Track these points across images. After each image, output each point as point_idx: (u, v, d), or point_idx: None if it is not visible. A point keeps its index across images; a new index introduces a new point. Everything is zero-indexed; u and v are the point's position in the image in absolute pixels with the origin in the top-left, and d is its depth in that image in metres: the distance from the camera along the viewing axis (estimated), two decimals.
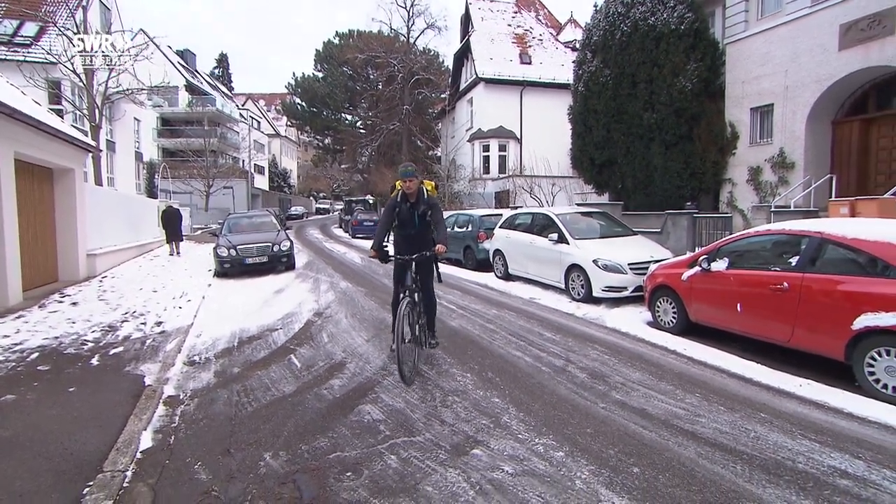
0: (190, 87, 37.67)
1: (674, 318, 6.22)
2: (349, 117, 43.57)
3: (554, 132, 21.81)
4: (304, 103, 42.86)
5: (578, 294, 8.15)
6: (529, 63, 26.81)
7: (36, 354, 5.34)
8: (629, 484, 2.82)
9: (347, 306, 7.82)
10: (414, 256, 4.68)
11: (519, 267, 10.08)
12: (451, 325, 6.50)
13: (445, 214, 19.41)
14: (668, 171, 12.76)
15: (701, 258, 5.83)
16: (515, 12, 30.05)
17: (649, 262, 7.42)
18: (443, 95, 36.42)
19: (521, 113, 25.87)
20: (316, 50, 42.19)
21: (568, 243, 8.56)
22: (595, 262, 7.86)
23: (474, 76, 26.46)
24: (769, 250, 5.37)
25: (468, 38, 27.90)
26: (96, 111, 18.15)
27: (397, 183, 4.84)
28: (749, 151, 12.10)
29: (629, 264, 7.72)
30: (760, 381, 4.40)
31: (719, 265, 5.61)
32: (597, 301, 7.83)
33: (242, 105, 49.88)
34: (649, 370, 4.73)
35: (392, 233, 5.02)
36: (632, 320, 6.73)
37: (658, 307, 6.47)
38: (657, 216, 12.06)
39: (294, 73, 55.90)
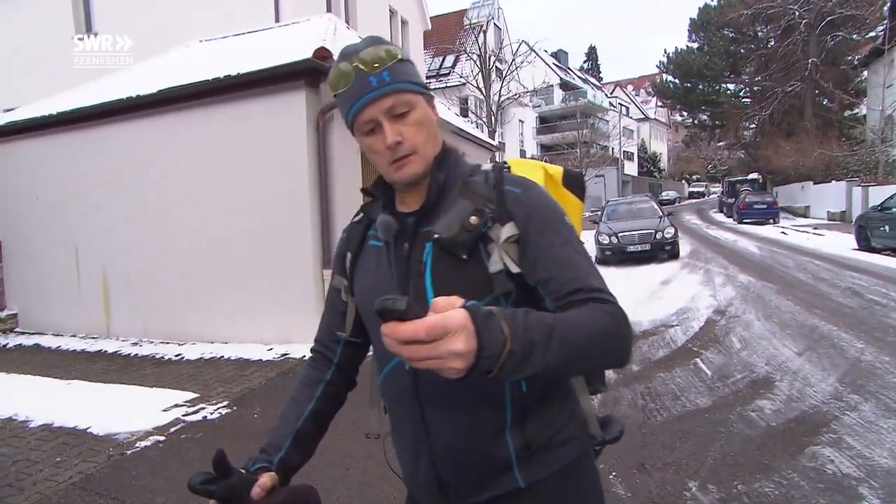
0: (563, 85, 40.30)
1: None
2: (731, 87, 38.15)
3: None
4: (676, 80, 39.87)
5: None
6: None
7: None
8: None
9: (756, 305, 6.48)
10: None
11: None
12: None
13: (884, 192, 14.48)
14: None
15: None
16: None
17: None
18: (871, 34, 27.60)
19: None
20: (690, 19, 38.41)
21: None
22: None
23: None
24: None
25: None
26: (492, 118, 21.24)
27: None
28: None
29: None
30: None
31: None
32: None
33: (611, 93, 50.41)
34: None
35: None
36: None
37: None
38: None
39: (665, 51, 52.82)
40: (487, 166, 0.93)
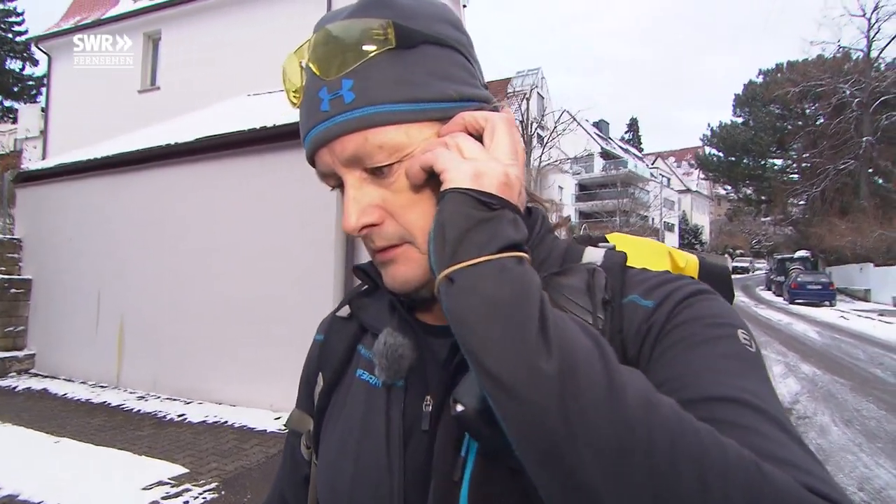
0: (604, 154, 40.45)
1: None
2: (777, 162, 37.46)
3: None
4: (720, 153, 39.55)
5: None
6: None
7: None
8: None
9: (829, 404, 5.64)
10: None
11: None
12: None
13: None
14: None
15: None
16: None
17: None
18: None
19: None
20: (735, 95, 38.50)
21: None
22: None
23: None
24: None
25: None
26: (532, 182, 21.13)
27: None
28: None
29: None
30: None
31: None
32: None
33: (652, 164, 50.27)
34: None
35: None
36: None
37: None
38: None
39: (709, 124, 52.81)
40: (596, 254, 0.48)
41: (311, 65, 0.44)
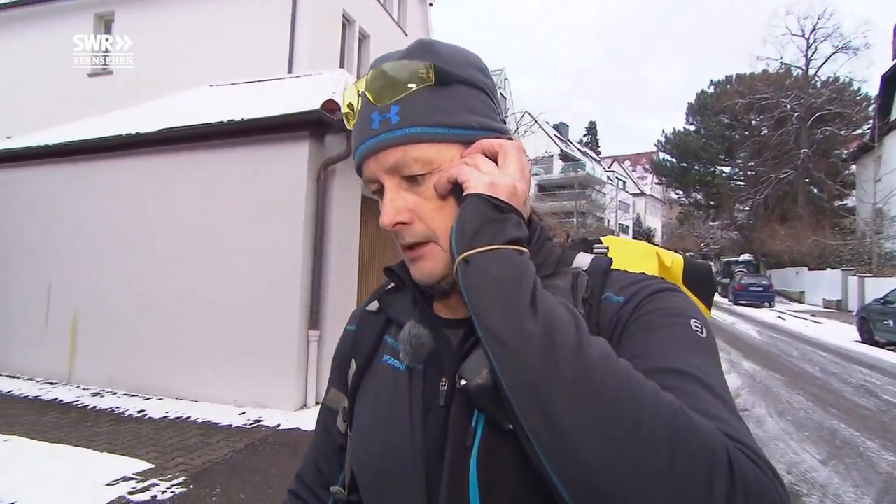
0: (563, 156, 41.38)
1: None
2: (726, 169, 39.34)
3: None
4: (673, 159, 41.18)
5: None
6: None
7: None
8: None
9: (765, 398, 6.08)
10: None
11: None
12: None
13: (879, 283, 14.49)
14: None
15: None
16: None
17: None
18: (858, 131, 28.82)
19: None
20: (688, 103, 40.13)
21: None
22: None
23: None
24: None
25: None
26: None
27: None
28: None
29: None
30: None
31: None
32: None
33: (609, 167, 51.85)
34: None
35: None
36: None
37: None
38: None
39: (663, 130, 54.85)
40: (585, 259, 0.59)
41: (367, 93, 0.55)
